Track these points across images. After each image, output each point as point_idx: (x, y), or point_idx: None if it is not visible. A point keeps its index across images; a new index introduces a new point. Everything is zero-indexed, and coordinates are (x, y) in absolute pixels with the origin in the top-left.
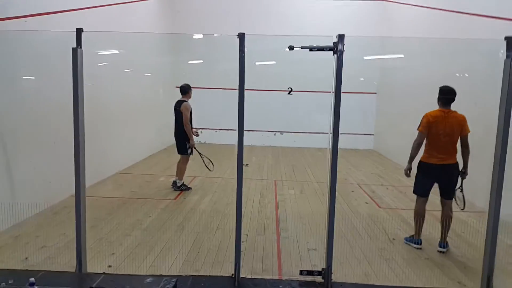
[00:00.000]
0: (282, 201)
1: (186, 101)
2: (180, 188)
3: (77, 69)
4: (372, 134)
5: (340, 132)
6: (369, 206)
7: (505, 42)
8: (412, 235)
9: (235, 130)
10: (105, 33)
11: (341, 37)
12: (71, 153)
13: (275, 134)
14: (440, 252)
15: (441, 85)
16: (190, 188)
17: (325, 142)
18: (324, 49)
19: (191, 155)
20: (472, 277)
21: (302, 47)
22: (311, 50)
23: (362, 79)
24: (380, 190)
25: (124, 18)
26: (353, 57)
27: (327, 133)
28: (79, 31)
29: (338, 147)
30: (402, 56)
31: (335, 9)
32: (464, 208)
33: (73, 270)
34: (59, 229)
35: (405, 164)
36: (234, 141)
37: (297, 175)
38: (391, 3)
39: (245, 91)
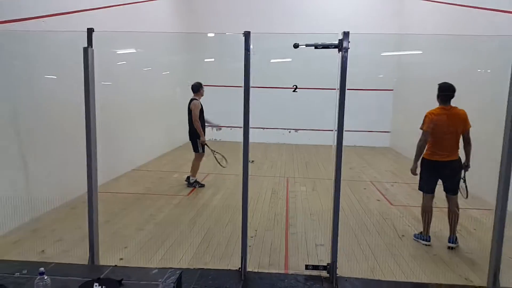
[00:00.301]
0: (293, 197)
1: (196, 99)
2: (193, 185)
3: (88, 68)
4: (389, 132)
5: (356, 129)
6: (380, 203)
7: None
8: (421, 232)
9: (251, 127)
10: (119, 32)
11: (346, 34)
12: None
13: (289, 132)
14: (450, 247)
15: (443, 82)
16: (203, 185)
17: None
18: (329, 46)
19: (203, 153)
20: (480, 274)
21: (307, 45)
22: (316, 47)
23: (381, 75)
24: (393, 188)
25: (139, 17)
26: (370, 54)
27: (346, 130)
28: (89, 31)
29: (355, 144)
30: (420, 52)
31: (349, 5)
32: (467, 197)
33: (86, 262)
34: (76, 223)
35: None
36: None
37: (310, 172)
38: None
39: (261, 88)
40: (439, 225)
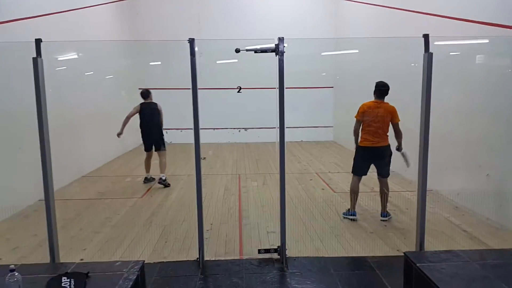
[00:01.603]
0: (245, 192)
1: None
2: (166, 182)
3: (39, 77)
4: (332, 126)
5: (302, 125)
6: (324, 192)
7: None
8: (348, 209)
9: (202, 128)
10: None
11: (280, 39)
12: (36, 158)
13: (239, 131)
14: (383, 220)
15: (378, 79)
16: (154, 179)
17: (290, 136)
18: (267, 50)
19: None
20: (410, 245)
21: (247, 50)
22: (255, 52)
23: (324, 74)
24: (336, 177)
25: (83, 23)
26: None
27: (290, 127)
28: (38, 41)
29: (302, 140)
30: (357, 51)
31: (292, 8)
32: (409, 166)
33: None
34: (31, 230)
35: None
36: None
37: (260, 168)
38: (342, 0)
39: (209, 90)
40: (375, 206)
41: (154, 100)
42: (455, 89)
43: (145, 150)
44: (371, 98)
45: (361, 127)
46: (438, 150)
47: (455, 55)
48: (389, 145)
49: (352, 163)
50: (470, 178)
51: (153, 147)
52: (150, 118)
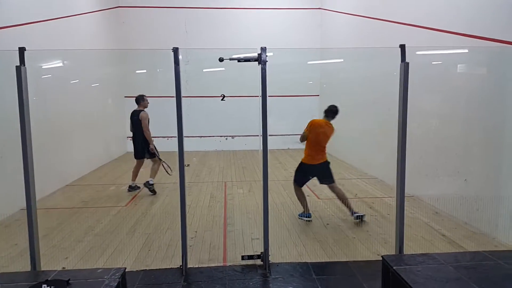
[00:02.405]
0: (230, 199)
1: (143, 110)
2: (152, 187)
3: (22, 86)
4: None
5: (288, 133)
6: (309, 198)
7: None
8: (303, 211)
9: (186, 136)
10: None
11: (263, 49)
12: (19, 167)
13: (226, 139)
14: (355, 218)
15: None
16: (139, 188)
17: (277, 143)
18: (250, 60)
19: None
20: (390, 250)
21: (230, 59)
22: (239, 61)
23: (311, 82)
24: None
25: (70, 31)
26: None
27: (276, 135)
28: (21, 50)
29: (288, 147)
30: (341, 60)
31: (279, 19)
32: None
33: None
34: (12, 240)
35: (347, 159)
36: (186, 147)
37: (247, 176)
38: (326, 11)
39: (196, 98)
40: (358, 212)
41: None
42: (434, 97)
43: (134, 157)
44: (357, 106)
45: (305, 146)
46: (419, 156)
47: (435, 64)
48: (327, 160)
49: (294, 175)
50: (450, 184)
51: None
52: (133, 125)
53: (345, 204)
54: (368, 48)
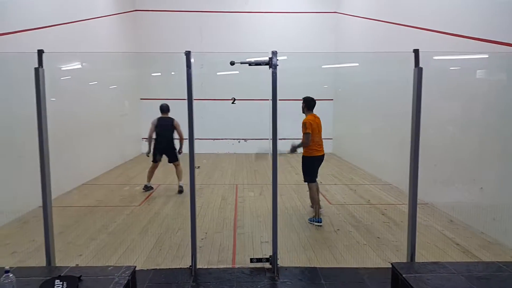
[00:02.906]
0: (241, 202)
1: (172, 118)
2: (182, 188)
3: (40, 87)
4: (331, 139)
5: (299, 137)
6: (320, 203)
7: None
8: (314, 216)
9: (200, 139)
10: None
11: (274, 53)
12: (37, 166)
13: (239, 142)
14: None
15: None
16: (153, 188)
17: (287, 147)
18: (261, 63)
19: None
20: (402, 258)
21: (241, 63)
22: (250, 65)
23: (326, 86)
24: (332, 189)
25: (86, 34)
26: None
27: (288, 138)
28: (40, 52)
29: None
30: (357, 64)
31: (294, 21)
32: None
33: None
34: (29, 236)
35: (361, 164)
36: (199, 150)
37: (258, 179)
38: (342, 15)
39: (210, 101)
40: (370, 218)
41: (154, 110)
42: (451, 103)
43: (153, 161)
44: (370, 111)
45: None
46: (434, 163)
47: (452, 69)
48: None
49: (303, 175)
50: (465, 192)
51: (166, 159)
52: (163, 132)
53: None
54: (382, 53)
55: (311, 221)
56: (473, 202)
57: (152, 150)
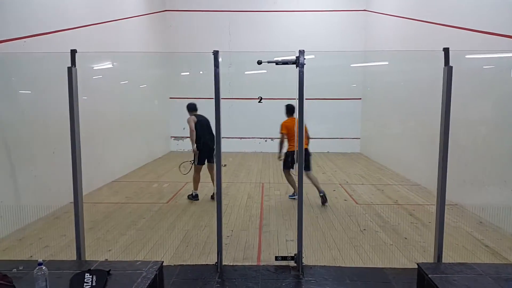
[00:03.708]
0: (267, 201)
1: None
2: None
3: (72, 86)
4: (359, 138)
5: (329, 136)
6: (346, 203)
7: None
8: (293, 192)
9: (226, 137)
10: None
11: (301, 52)
12: (69, 162)
13: (266, 141)
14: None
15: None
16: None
17: (316, 146)
18: (288, 63)
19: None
20: (429, 258)
21: (268, 62)
22: (277, 64)
23: (354, 85)
24: (359, 188)
25: (117, 34)
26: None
27: (315, 138)
28: (73, 52)
29: (328, 151)
30: (386, 63)
31: (322, 20)
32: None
33: None
34: (61, 231)
35: (389, 164)
36: (226, 148)
37: (284, 178)
38: (371, 12)
39: (238, 100)
40: (397, 219)
41: (182, 109)
42: (484, 103)
43: (200, 163)
44: (399, 110)
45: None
46: (464, 163)
47: (486, 68)
48: (307, 149)
49: (283, 164)
50: (496, 193)
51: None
52: (208, 130)
53: (314, 185)
54: (412, 51)
55: (291, 196)
56: (504, 203)
57: (195, 151)
